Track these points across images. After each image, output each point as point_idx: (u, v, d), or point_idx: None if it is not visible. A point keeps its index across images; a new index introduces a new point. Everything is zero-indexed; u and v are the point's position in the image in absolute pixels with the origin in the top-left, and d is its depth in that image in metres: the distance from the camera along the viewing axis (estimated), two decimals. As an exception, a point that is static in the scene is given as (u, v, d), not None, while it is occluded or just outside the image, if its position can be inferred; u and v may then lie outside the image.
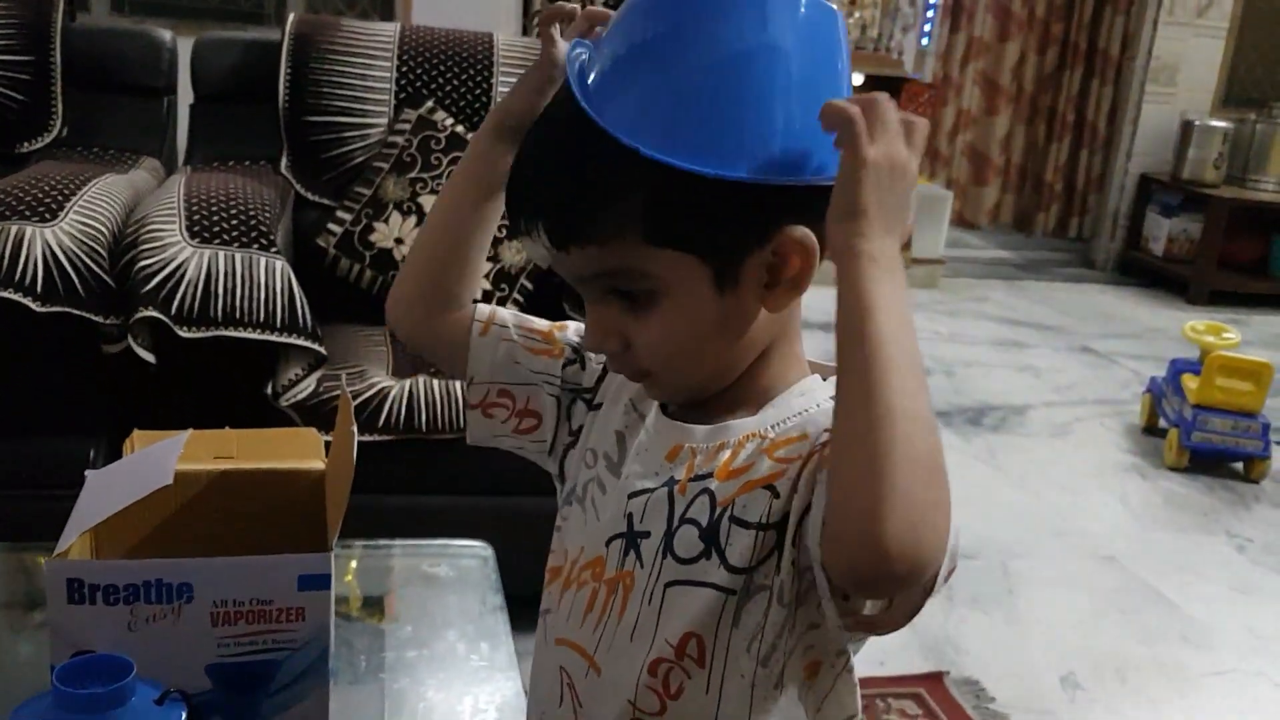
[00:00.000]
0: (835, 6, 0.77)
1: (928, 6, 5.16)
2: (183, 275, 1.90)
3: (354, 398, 1.98)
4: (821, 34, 0.76)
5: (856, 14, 5.12)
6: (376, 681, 1.17)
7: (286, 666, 0.97)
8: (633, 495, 0.81)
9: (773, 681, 0.77)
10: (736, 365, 0.80)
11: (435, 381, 2.04)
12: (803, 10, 0.74)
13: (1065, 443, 3.61)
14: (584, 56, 0.76)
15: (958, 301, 5.12)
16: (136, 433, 1.14)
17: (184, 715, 0.85)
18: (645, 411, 0.86)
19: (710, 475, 0.78)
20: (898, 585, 0.65)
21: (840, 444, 0.66)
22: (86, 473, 1.02)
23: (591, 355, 0.91)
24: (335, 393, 1.99)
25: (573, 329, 0.94)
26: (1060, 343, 4.66)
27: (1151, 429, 3.70)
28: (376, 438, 1.97)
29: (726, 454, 0.78)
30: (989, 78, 5.88)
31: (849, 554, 0.64)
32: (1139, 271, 5.89)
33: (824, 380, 0.81)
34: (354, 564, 1.38)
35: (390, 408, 1.99)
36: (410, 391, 2.01)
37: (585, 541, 0.85)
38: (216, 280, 1.92)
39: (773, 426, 0.78)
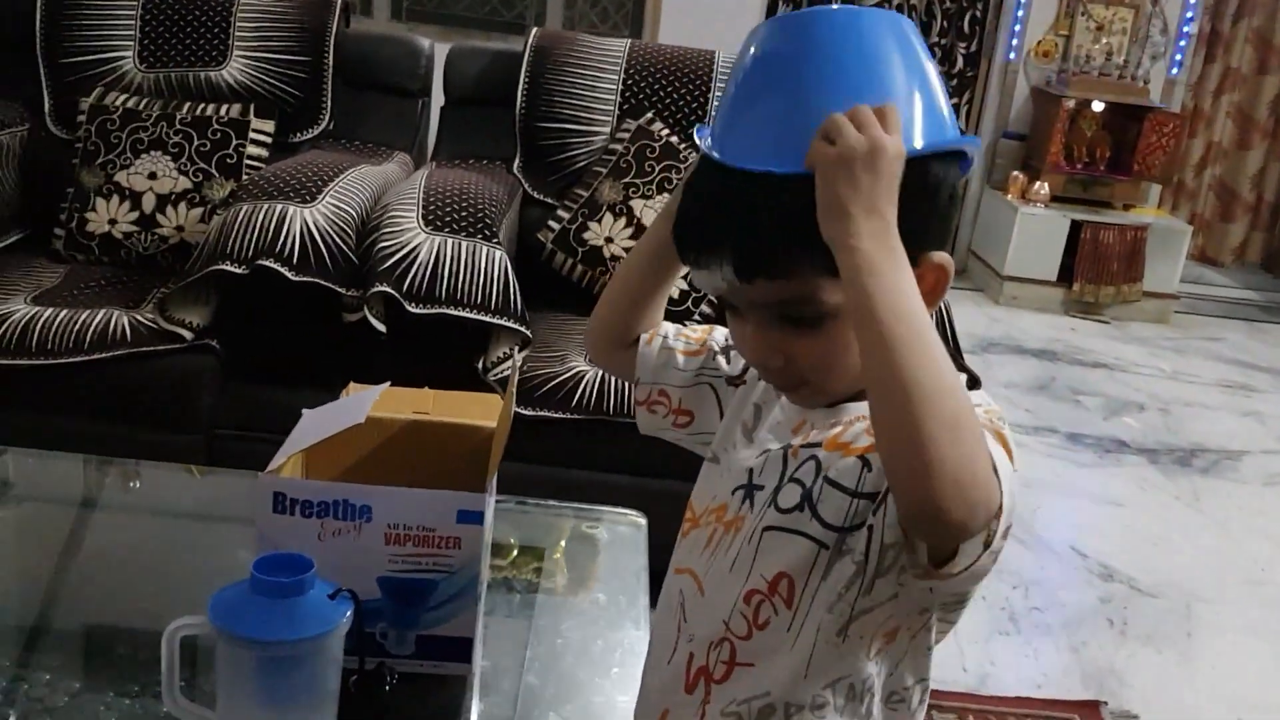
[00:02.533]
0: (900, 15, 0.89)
1: (1180, 35, 4.98)
2: (415, 258, 2.15)
3: (552, 379, 2.18)
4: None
5: (1104, 40, 5.00)
6: (525, 616, 1.35)
7: (443, 587, 1.15)
8: (760, 455, 0.96)
9: (836, 628, 0.89)
10: None
11: (626, 370, 2.22)
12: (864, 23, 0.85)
13: (1278, 493, 3.47)
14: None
15: (1187, 339, 4.92)
16: (351, 384, 1.36)
17: (350, 611, 1.05)
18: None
19: (820, 445, 0.90)
20: (959, 530, 0.75)
21: (876, 424, 0.77)
22: (303, 411, 1.24)
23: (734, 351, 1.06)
24: (538, 372, 2.20)
25: (720, 333, 1.09)
26: (1295, 391, 4.44)
27: (1379, 489, 3.51)
28: (570, 415, 2.17)
29: (838, 429, 0.90)
30: (1244, 111, 5.60)
31: (912, 513, 0.76)
32: (1400, 325, 5.50)
33: None
34: (535, 523, 1.56)
35: (584, 390, 2.18)
36: (603, 378, 2.20)
37: (717, 491, 0.99)
38: (443, 264, 2.16)
39: None
